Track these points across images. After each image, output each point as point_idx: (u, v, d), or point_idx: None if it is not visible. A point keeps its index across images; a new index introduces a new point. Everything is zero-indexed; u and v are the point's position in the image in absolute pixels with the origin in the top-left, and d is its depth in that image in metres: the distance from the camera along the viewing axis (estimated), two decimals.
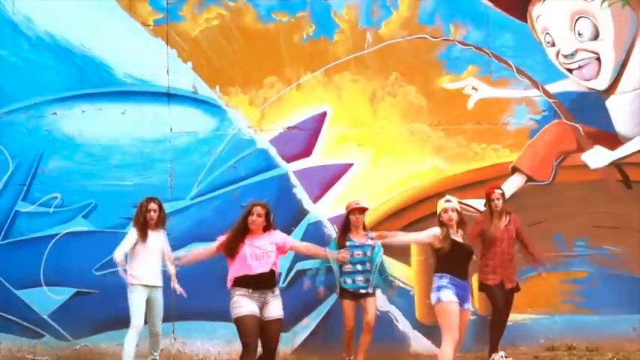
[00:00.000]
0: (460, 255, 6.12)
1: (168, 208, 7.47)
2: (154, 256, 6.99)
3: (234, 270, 5.93)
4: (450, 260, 6.07)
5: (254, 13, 8.19)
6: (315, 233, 7.84)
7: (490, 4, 8.16)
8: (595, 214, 7.92)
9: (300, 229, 7.88)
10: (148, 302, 6.92)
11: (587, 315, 7.82)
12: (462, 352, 7.09)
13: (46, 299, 7.90)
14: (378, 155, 8.09)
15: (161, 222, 7.14)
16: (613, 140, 8.06)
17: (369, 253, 7.04)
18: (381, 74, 8.13)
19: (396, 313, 7.87)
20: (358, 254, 7.02)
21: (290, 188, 8.03)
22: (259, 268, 5.89)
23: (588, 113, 8.08)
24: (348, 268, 7.01)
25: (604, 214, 7.93)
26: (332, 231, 7.87)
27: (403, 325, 7.86)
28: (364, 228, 7.18)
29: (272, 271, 5.97)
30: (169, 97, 8.13)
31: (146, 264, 6.92)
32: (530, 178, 8.00)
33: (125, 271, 6.81)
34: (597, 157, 8.03)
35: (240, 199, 7.91)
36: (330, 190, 8.03)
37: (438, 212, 6.23)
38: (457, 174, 8.02)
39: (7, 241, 8.00)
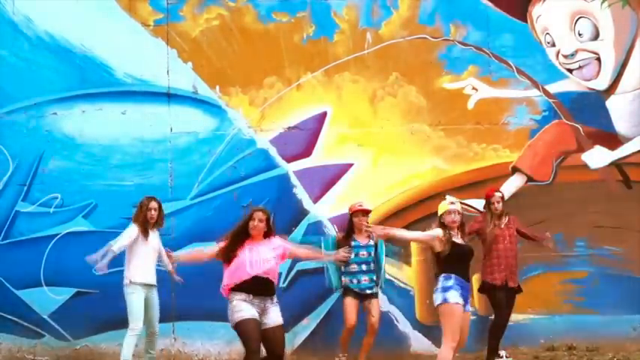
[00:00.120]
0: (461, 256, 6.11)
1: (168, 208, 7.47)
2: (152, 255, 6.98)
3: (234, 275, 5.84)
4: (451, 262, 6.07)
5: (254, 13, 8.19)
6: (315, 233, 7.84)
7: (490, 4, 8.16)
8: (595, 214, 7.92)
9: (300, 229, 7.88)
10: (146, 302, 6.89)
11: (587, 315, 7.82)
12: (462, 352, 7.08)
13: (46, 299, 7.89)
14: (378, 155, 8.09)
15: (160, 221, 7.14)
16: (613, 140, 8.07)
17: (373, 253, 7.07)
18: (381, 74, 8.13)
19: (396, 313, 7.87)
20: (363, 254, 7.03)
21: (290, 188, 8.03)
22: (260, 274, 5.82)
23: (588, 113, 8.09)
24: (353, 268, 7.02)
25: (604, 214, 7.93)
26: (332, 231, 7.86)
27: (403, 325, 7.86)
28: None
29: (272, 278, 5.93)
30: (169, 97, 8.13)
31: (146, 263, 6.92)
32: (530, 178, 8.01)
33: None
34: (597, 157, 8.03)
35: (240, 199, 7.91)
36: (331, 190, 8.03)
37: (439, 213, 6.20)
38: (457, 174, 8.02)
39: (8, 241, 7.99)
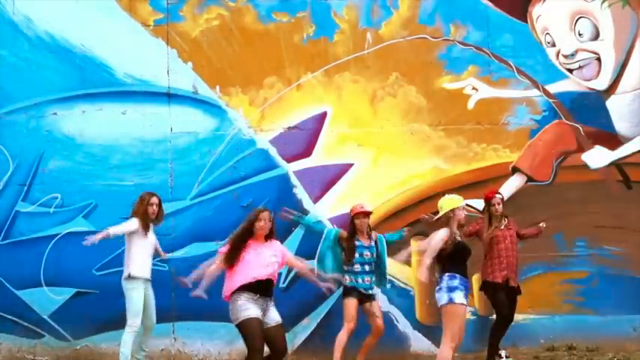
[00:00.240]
0: (462, 254, 6.16)
1: (168, 208, 7.47)
2: (150, 250, 7.01)
3: (241, 276, 5.92)
4: (453, 260, 6.08)
5: (254, 13, 8.19)
6: (315, 233, 7.83)
7: (490, 4, 8.16)
8: (595, 214, 7.92)
9: (300, 230, 7.88)
10: (144, 297, 6.90)
11: (587, 315, 7.82)
12: (462, 352, 7.09)
13: (46, 299, 7.89)
14: (378, 155, 8.09)
15: (159, 217, 7.14)
16: (613, 140, 8.07)
17: (374, 254, 7.12)
18: (381, 74, 8.13)
19: (396, 313, 7.87)
20: (367, 255, 7.09)
21: (290, 188, 8.02)
22: (267, 274, 5.97)
23: (588, 113, 8.09)
24: (356, 268, 7.07)
25: (604, 214, 7.93)
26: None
27: (403, 325, 7.86)
28: (369, 229, 7.22)
29: (273, 280, 6.08)
30: (170, 97, 8.12)
31: (145, 257, 6.93)
32: (530, 178, 8.00)
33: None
34: (597, 157, 8.03)
35: (240, 199, 7.91)
36: (331, 190, 8.03)
37: (444, 211, 6.20)
38: (457, 174, 8.02)
39: (8, 241, 7.99)
